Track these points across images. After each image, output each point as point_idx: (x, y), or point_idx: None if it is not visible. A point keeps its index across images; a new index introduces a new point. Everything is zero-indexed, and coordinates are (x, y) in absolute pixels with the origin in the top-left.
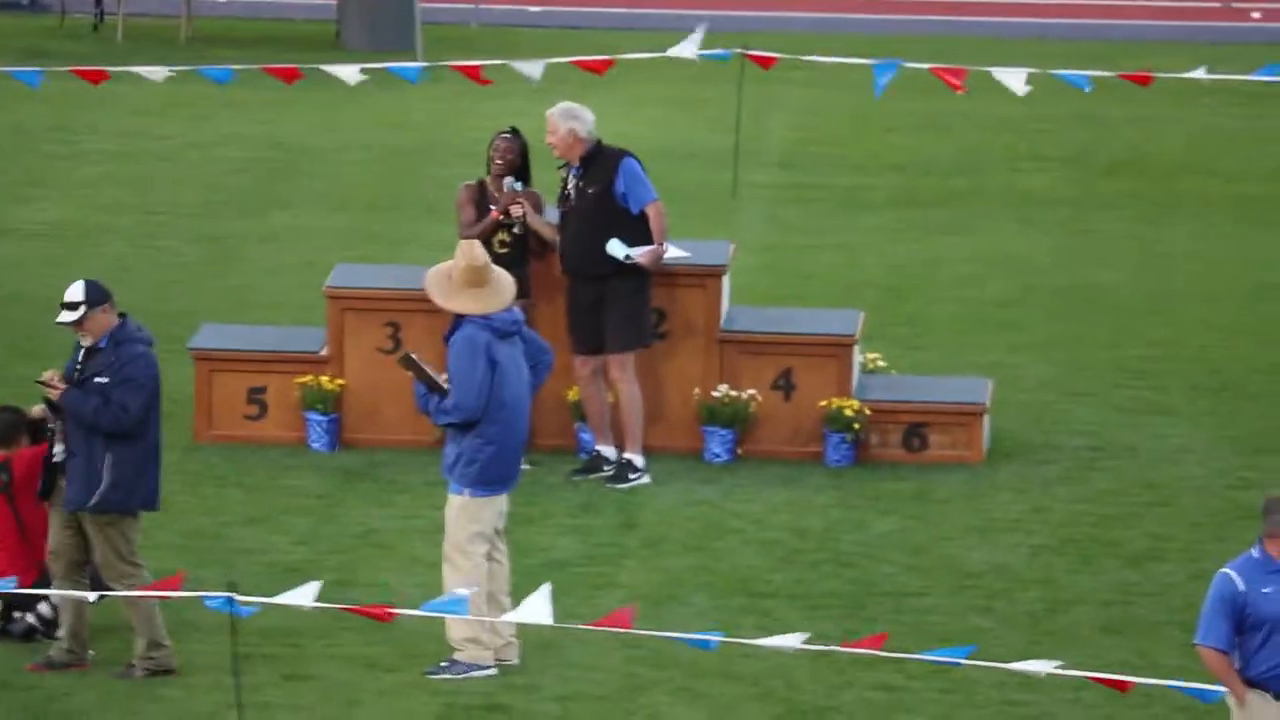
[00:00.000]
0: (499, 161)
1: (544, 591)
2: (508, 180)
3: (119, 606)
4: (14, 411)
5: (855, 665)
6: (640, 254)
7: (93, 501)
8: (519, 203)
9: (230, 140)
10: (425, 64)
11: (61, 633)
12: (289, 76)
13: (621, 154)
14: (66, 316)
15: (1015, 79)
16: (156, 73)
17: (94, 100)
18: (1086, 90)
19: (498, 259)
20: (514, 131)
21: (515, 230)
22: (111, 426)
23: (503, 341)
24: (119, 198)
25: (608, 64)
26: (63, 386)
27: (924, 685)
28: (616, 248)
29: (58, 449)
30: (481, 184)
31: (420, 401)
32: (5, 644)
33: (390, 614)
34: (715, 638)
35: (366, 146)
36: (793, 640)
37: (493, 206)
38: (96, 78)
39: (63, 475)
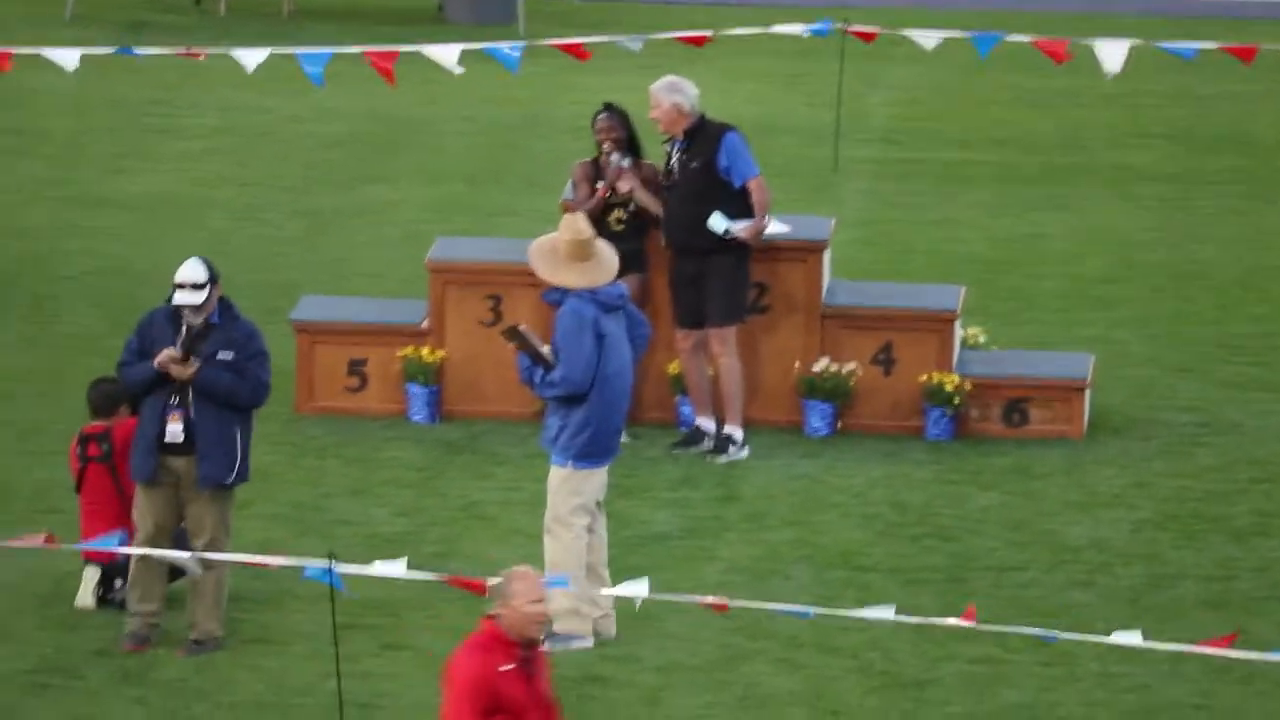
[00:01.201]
0: (604, 142)
1: (643, 583)
2: (615, 156)
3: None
4: (113, 382)
5: (954, 638)
6: (741, 228)
7: (233, 478)
8: (625, 178)
9: (329, 114)
10: (525, 41)
11: (144, 606)
12: (387, 72)
13: (725, 128)
14: (194, 297)
15: (1116, 52)
16: (251, 57)
17: (194, 73)
18: (1189, 58)
19: (614, 235)
20: (610, 108)
21: (630, 207)
22: (250, 401)
23: (609, 315)
24: (218, 171)
25: (705, 39)
26: (196, 365)
27: (1024, 658)
28: (717, 222)
29: (174, 428)
30: (595, 161)
31: (524, 374)
32: (106, 612)
33: (486, 586)
34: (810, 610)
35: (467, 119)
36: (885, 612)
37: (600, 184)
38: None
39: (173, 454)
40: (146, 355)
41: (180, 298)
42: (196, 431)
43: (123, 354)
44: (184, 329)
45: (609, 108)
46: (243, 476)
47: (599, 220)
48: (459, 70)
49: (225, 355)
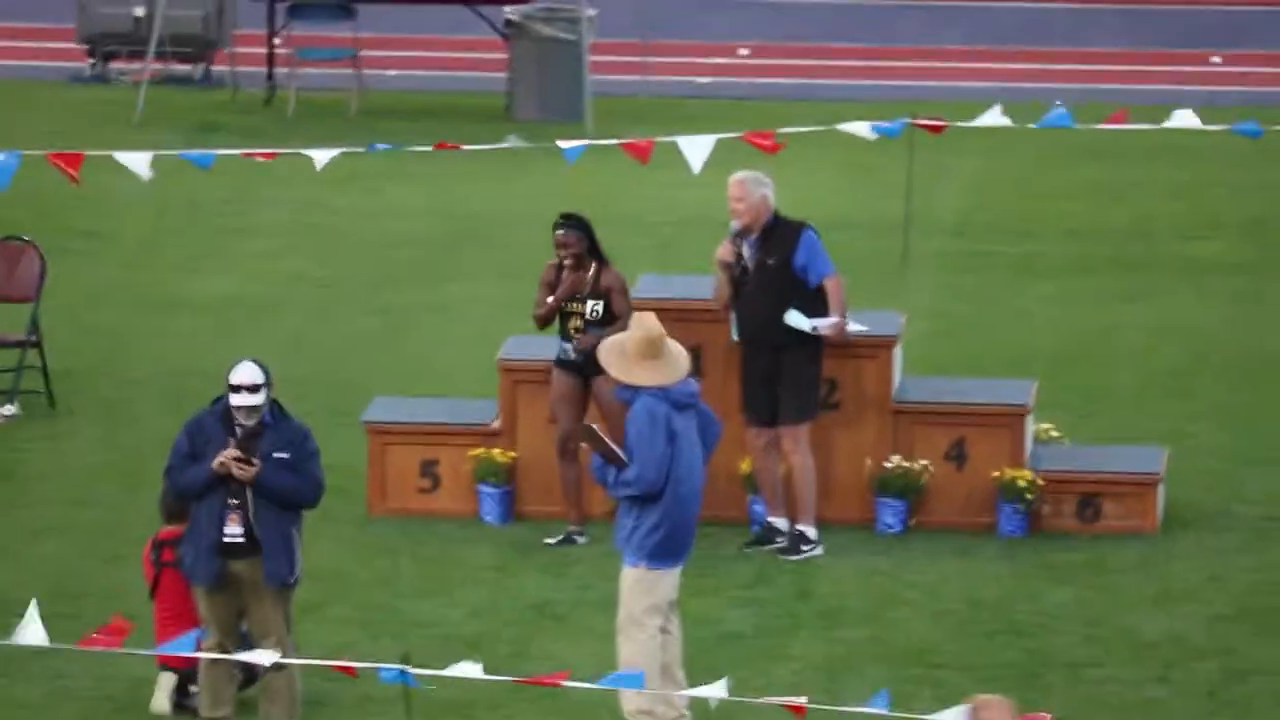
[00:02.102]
0: (565, 256)
1: (721, 684)
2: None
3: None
4: None
5: None
6: (825, 326)
7: (295, 576)
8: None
9: (400, 211)
10: (590, 141)
11: (216, 712)
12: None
13: (801, 226)
14: (252, 399)
15: (1187, 117)
16: (321, 156)
17: (266, 173)
18: (1258, 137)
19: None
20: (568, 220)
21: (589, 314)
22: (311, 499)
23: (680, 413)
24: (292, 270)
25: (774, 143)
26: (257, 465)
27: None
28: (798, 319)
29: (234, 530)
30: (560, 265)
31: (597, 473)
32: (181, 718)
33: (561, 683)
34: (885, 712)
35: (538, 216)
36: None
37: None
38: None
39: (233, 557)
40: (197, 458)
41: (238, 400)
42: (260, 531)
43: (170, 458)
44: (238, 430)
45: (568, 220)
46: (299, 576)
47: (560, 325)
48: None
49: (282, 455)
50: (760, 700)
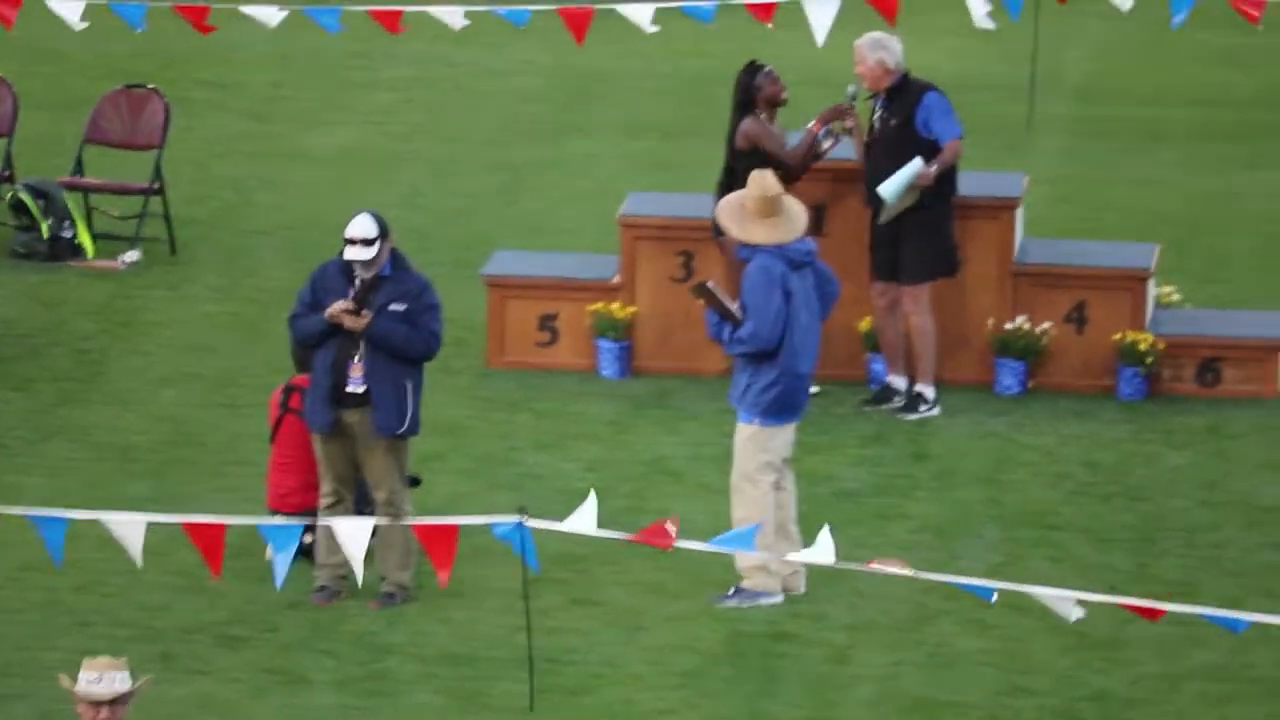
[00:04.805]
0: (785, 95)
1: (826, 535)
2: (851, 88)
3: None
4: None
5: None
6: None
7: (404, 428)
8: (845, 114)
9: (525, 67)
10: (717, 2)
11: (332, 559)
12: (578, 31)
13: (926, 87)
14: (364, 253)
15: None
16: (454, 15)
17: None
18: None
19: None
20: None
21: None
22: (423, 353)
23: (796, 272)
24: (414, 124)
25: (894, 7)
26: (368, 316)
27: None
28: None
29: (356, 378)
30: (761, 117)
31: (713, 330)
32: (297, 564)
33: (671, 543)
34: (993, 590)
35: (662, 74)
36: (1068, 603)
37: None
38: (393, 22)
39: (347, 406)
40: (318, 307)
41: (350, 253)
42: (370, 382)
43: (294, 306)
44: (356, 281)
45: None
46: (413, 429)
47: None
48: (652, 29)
49: (397, 307)
50: (862, 567)
